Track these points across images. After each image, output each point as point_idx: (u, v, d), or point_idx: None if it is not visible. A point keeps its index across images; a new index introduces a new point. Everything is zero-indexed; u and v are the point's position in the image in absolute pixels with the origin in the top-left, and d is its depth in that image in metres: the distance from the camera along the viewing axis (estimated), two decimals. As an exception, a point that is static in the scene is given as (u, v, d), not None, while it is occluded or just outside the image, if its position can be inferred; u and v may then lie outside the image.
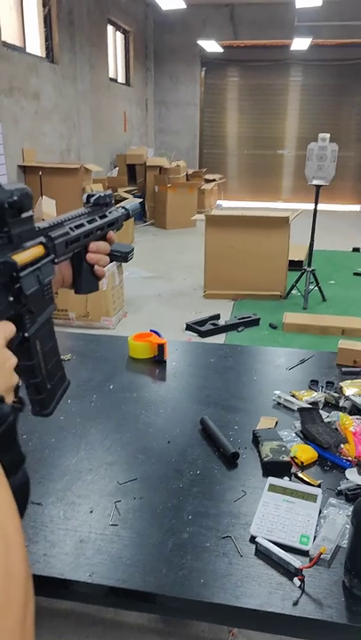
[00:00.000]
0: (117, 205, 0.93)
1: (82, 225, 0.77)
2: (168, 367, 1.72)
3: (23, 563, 0.41)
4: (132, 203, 0.97)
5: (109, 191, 0.87)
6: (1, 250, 0.57)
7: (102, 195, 0.85)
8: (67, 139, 7.53)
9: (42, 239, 0.66)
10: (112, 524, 1.01)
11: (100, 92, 8.64)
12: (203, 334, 4.00)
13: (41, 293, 0.63)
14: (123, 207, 0.93)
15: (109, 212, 0.87)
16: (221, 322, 4.23)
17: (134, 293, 5.01)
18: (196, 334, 4.03)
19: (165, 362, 1.73)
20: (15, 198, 0.57)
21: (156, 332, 1.81)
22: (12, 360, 0.56)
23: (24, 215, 0.60)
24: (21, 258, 0.59)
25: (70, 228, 0.73)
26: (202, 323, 4.15)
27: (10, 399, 0.54)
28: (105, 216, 0.85)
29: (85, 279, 0.83)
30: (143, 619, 1.68)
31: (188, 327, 4.11)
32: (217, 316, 4.30)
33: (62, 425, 1.36)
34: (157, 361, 1.74)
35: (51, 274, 0.66)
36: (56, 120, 7.15)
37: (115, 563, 0.93)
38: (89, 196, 0.84)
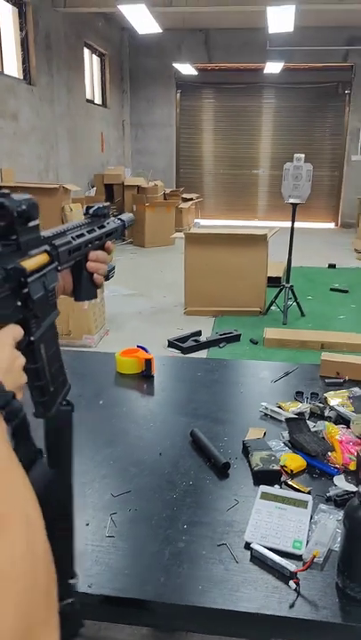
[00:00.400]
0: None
1: (82, 235, 0.80)
2: (156, 382, 1.74)
3: (45, 544, 0.44)
4: (127, 215, 1.00)
5: (107, 203, 0.91)
6: (10, 256, 0.59)
7: (101, 206, 0.88)
8: (45, 159, 7.57)
9: (46, 247, 0.68)
10: (109, 536, 1.03)
11: (78, 114, 8.74)
12: (185, 351, 4.03)
13: (46, 299, 0.66)
14: (119, 218, 0.96)
15: (107, 223, 0.90)
16: (203, 338, 4.27)
17: (115, 311, 5.03)
18: (178, 351, 4.06)
19: (153, 377, 1.76)
20: (24, 207, 0.60)
21: (143, 348, 1.84)
22: (21, 360, 0.58)
23: (31, 224, 0.63)
24: (29, 264, 0.62)
25: (72, 238, 0.76)
26: (184, 339, 4.18)
27: (19, 397, 0.56)
28: (103, 226, 0.88)
29: (85, 287, 0.86)
30: (135, 637, 1.68)
31: (170, 344, 4.14)
32: (198, 333, 4.34)
33: (54, 440, 1.36)
34: (145, 376, 1.76)
35: (55, 280, 0.69)
36: (34, 141, 7.20)
37: (113, 573, 0.94)
38: (88, 208, 0.88)
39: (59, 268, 0.71)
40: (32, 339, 0.64)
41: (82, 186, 8.52)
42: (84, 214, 0.88)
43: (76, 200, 7.07)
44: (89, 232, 0.83)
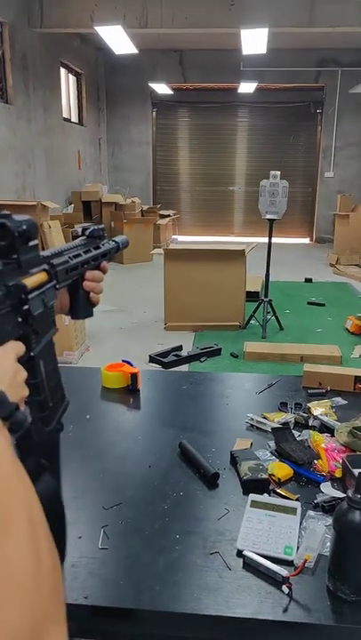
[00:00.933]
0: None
1: (79, 255, 0.83)
2: (142, 395, 1.75)
3: (50, 544, 0.46)
4: (121, 237, 1.03)
5: (102, 225, 0.93)
6: (11, 274, 0.61)
7: (96, 228, 0.91)
8: (22, 177, 7.57)
9: (45, 266, 0.70)
10: (102, 548, 1.03)
11: (54, 132, 8.78)
12: (166, 365, 4.05)
13: (45, 315, 0.68)
14: (113, 240, 0.99)
15: (102, 244, 0.93)
16: (184, 353, 4.29)
17: (95, 327, 5.02)
18: (159, 366, 4.07)
19: (139, 390, 1.77)
20: (24, 227, 0.62)
21: (128, 362, 1.85)
22: (23, 373, 0.60)
23: (31, 243, 0.65)
24: (30, 282, 0.64)
25: (69, 257, 0.79)
26: (165, 354, 4.20)
27: (21, 409, 0.58)
28: (99, 247, 0.91)
29: (82, 305, 0.89)
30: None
31: (152, 359, 4.15)
32: (179, 348, 4.37)
33: (42, 455, 1.37)
34: (131, 390, 1.77)
35: (53, 298, 0.71)
36: (11, 159, 7.20)
37: (108, 584, 0.95)
38: (84, 229, 0.90)
39: (57, 286, 0.74)
40: (32, 354, 0.66)
41: (59, 203, 8.54)
42: (80, 235, 0.91)
43: (54, 217, 7.08)
44: (85, 252, 0.86)
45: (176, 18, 7.22)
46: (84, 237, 0.90)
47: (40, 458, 0.57)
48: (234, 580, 0.95)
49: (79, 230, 0.90)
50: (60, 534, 0.73)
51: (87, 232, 0.90)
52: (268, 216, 4.75)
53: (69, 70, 9.92)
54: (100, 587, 0.94)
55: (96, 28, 6.61)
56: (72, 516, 1.13)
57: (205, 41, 9.57)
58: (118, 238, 1.01)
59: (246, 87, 10.20)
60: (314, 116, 11.47)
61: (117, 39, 6.98)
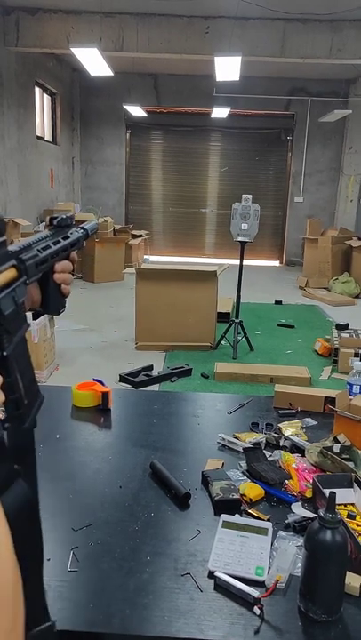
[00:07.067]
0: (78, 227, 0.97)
1: (48, 247, 0.80)
2: (113, 415, 1.74)
3: (13, 562, 0.45)
4: (89, 223, 1.00)
5: (71, 213, 0.91)
6: None
7: (64, 217, 0.88)
8: (-6, 193, 7.52)
9: (14, 262, 0.69)
10: (71, 570, 1.01)
11: (28, 150, 8.77)
12: (137, 385, 4.01)
13: (17, 314, 0.66)
14: (82, 228, 0.97)
15: (71, 233, 0.91)
16: (155, 373, 4.27)
17: (65, 346, 4.98)
18: (129, 385, 4.04)
19: (110, 410, 1.76)
20: None
21: (99, 381, 1.84)
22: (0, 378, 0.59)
23: None
24: None
25: (38, 250, 0.77)
26: (135, 374, 4.17)
27: None
28: (67, 237, 0.89)
29: (53, 298, 0.86)
30: None
31: (122, 378, 4.12)
32: (150, 367, 4.34)
33: (11, 476, 1.34)
34: (102, 409, 1.75)
35: (24, 295, 0.69)
36: (-17, 175, 7.15)
37: (78, 608, 0.92)
38: (52, 218, 0.88)
39: (27, 281, 0.72)
40: (5, 354, 0.65)
41: (31, 221, 8.49)
42: (48, 225, 0.89)
43: (25, 235, 7.03)
44: (54, 244, 0.83)
45: (152, 43, 7.36)
46: (52, 227, 0.87)
47: (13, 464, 0.56)
48: (205, 601, 0.95)
49: (48, 220, 0.88)
50: (37, 541, 0.71)
51: (55, 222, 0.87)
52: (240, 238, 4.82)
53: (44, 90, 9.96)
54: (68, 610, 0.92)
55: (72, 49, 6.67)
56: (40, 538, 1.11)
57: (180, 66, 9.77)
58: (87, 225, 0.99)
59: (219, 112, 10.41)
60: (284, 143, 11.76)
61: (93, 61, 7.05)
